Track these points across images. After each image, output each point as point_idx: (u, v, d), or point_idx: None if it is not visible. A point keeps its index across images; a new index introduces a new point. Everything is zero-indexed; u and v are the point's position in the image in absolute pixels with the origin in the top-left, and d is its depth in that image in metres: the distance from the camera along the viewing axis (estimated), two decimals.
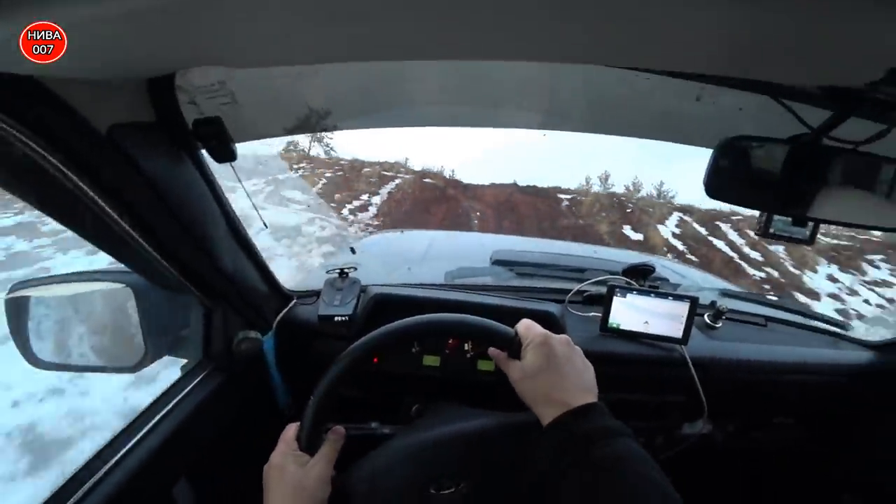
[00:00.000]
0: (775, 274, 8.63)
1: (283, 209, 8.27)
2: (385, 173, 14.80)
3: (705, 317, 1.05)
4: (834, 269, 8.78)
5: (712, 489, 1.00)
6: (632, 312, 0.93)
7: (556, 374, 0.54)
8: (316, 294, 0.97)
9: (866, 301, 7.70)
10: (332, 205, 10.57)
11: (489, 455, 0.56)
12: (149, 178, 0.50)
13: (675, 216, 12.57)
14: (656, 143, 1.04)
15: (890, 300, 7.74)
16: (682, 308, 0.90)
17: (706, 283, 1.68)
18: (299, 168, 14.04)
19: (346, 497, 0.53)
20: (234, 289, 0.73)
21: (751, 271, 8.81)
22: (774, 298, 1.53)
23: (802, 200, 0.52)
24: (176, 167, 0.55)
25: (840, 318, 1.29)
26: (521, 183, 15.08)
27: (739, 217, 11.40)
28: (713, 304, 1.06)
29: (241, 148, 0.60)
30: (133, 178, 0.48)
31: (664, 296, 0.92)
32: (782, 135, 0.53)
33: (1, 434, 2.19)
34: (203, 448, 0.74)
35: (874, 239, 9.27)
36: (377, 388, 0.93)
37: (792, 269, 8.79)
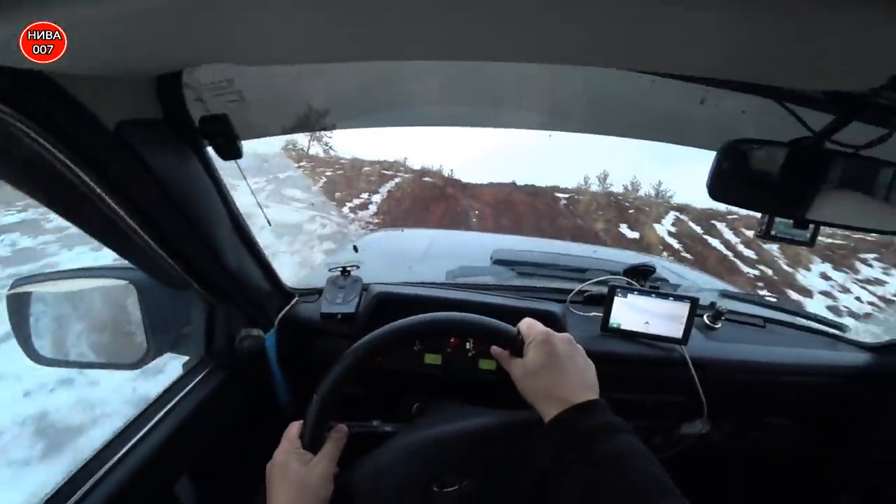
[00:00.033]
0: (769, 272, 8.64)
1: (285, 207, 8.27)
2: (385, 172, 14.80)
3: (705, 317, 1.06)
4: (827, 268, 8.80)
5: (710, 490, 1.01)
6: (632, 312, 0.93)
7: (557, 372, 0.55)
8: (318, 292, 0.98)
9: (858, 298, 7.73)
10: (333, 203, 10.56)
11: (491, 453, 0.56)
12: (155, 175, 0.50)
13: (672, 215, 12.58)
14: (656, 145, 1.04)
15: (882, 298, 7.77)
16: (683, 309, 0.91)
17: (706, 284, 1.69)
18: (299, 167, 14.01)
19: (349, 495, 0.54)
20: (237, 286, 0.73)
21: (745, 269, 8.82)
22: (773, 300, 1.54)
23: (803, 203, 0.53)
24: (182, 164, 0.55)
25: (832, 315, 1.29)
26: (520, 182, 15.14)
27: (735, 216, 11.42)
28: (713, 304, 1.07)
29: (244, 146, 0.60)
30: (139, 174, 0.48)
31: (665, 296, 0.92)
32: (784, 138, 0.53)
33: (15, 422, 2.24)
34: (205, 445, 0.74)
35: (869, 238, 9.29)
36: (378, 385, 0.93)
37: (785, 267, 8.80)
